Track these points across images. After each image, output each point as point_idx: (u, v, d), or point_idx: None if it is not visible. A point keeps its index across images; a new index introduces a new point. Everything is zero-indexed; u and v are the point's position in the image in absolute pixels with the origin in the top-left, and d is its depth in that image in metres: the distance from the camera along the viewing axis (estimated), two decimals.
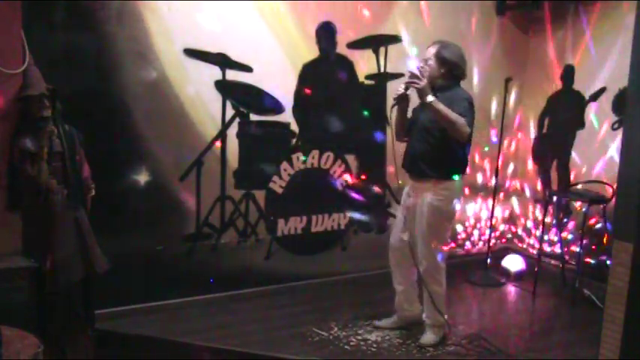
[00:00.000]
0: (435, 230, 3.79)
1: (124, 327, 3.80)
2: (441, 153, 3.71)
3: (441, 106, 3.54)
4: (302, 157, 4.61)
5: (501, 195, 5.69)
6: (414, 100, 3.77)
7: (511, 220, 5.86)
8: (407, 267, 3.97)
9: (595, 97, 5.03)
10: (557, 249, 5.26)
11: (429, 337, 3.95)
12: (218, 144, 4.28)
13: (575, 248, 4.99)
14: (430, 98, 3.54)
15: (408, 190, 3.91)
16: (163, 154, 4.08)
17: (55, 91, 3.24)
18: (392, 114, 3.82)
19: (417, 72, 3.63)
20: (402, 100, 3.76)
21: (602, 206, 4.68)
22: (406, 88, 3.69)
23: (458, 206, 4.01)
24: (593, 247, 4.97)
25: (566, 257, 5.11)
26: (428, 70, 3.71)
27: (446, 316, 3.98)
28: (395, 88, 3.84)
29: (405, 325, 4.11)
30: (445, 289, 3.93)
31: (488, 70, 5.37)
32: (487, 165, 5.54)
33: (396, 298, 4.10)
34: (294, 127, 4.56)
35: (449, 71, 3.73)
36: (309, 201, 4.72)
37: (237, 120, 4.33)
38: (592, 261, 4.96)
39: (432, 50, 3.74)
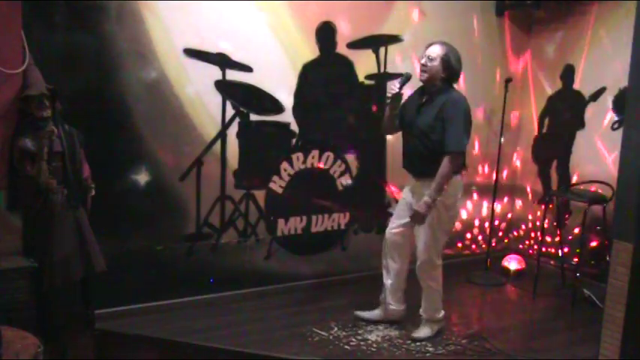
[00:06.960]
0: (436, 226, 3.82)
1: (124, 327, 3.80)
2: (439, 154, 3.73)
3: (432, 195, 3.65)
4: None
5: (500, 195, 5.68)
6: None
7: (511, 220, 5.86)
8: (399, 261, 4.01)
9: (595, 97, 5.03)
10: (557, 249, 5.26)
11: (423, 331, 4.00)
12: (218, 144, 4.28)
13: (575, 249, 4.99)
14: (423, 208, 3.68)
15: (411, 187, 3.92)
16: (163, 154, 4.08)
17: (55, 91, 3.25)
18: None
19: (396, 87, 3.72)
20: (398, 97, 3.78)
21: (602, 206, 4.68)
22: (401, 87, 3.73)
23: (460, 202, 4.01)
24: (593, 246, 4.97)
25: (566, 257, 5.11)
26: (430, 69, 3.70)
27: (443, 312, 4.04)
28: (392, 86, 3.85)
29: (387, 320, 4.14)
30: (441, 285, 3.98)
31: (488, 70, 5.37)
32: (487, 165, 5.54)
33: (383, 292, 4.12)
34: (294, 127, 4.56)
35: (449, 75, 3.75)
36: (309, 201, 4.72)
37: (237, 120, 4.33)
38: (592, 261, 4.96)
39: (439, 51, 3.70)
